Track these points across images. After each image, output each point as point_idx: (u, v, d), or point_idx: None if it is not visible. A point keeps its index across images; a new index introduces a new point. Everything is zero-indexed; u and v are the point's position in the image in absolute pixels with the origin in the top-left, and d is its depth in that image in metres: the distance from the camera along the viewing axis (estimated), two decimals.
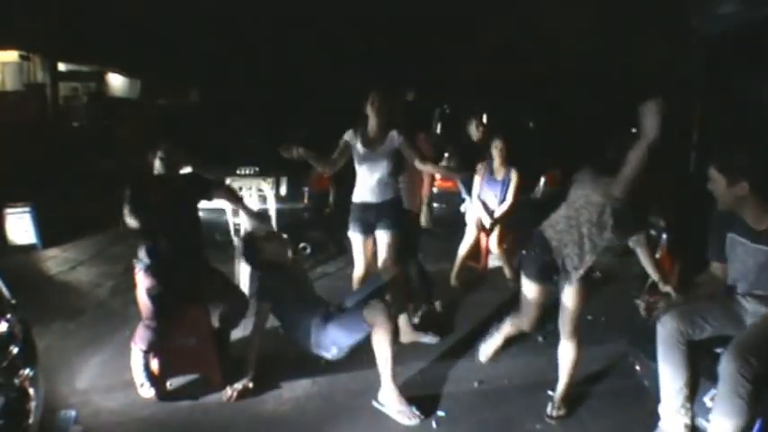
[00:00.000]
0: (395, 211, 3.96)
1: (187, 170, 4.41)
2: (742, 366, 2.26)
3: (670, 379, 2.54)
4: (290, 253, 3.78)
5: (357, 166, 3.89)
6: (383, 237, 3.91)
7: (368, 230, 3.90)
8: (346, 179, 4.34)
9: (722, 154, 2.59)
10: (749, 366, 2.25)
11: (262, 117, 7.90)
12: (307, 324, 3.31)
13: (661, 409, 2.61)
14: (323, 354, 3.30)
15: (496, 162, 5.12)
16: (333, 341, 3.24)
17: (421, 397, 3.15)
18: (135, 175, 3.54)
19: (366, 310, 3.16)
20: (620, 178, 2.60)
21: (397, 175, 4.04)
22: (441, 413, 3.09)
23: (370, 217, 3.88)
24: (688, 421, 2.54)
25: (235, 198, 3.93)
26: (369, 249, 3.92)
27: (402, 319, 3.88)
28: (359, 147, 3.82)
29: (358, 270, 3.94)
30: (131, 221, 3.35)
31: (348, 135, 3.86)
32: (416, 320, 4.03)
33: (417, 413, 3.01)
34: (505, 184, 5.13)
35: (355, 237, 3.91)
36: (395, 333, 3.17)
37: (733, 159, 2.54)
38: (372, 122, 3.81)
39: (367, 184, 3.87)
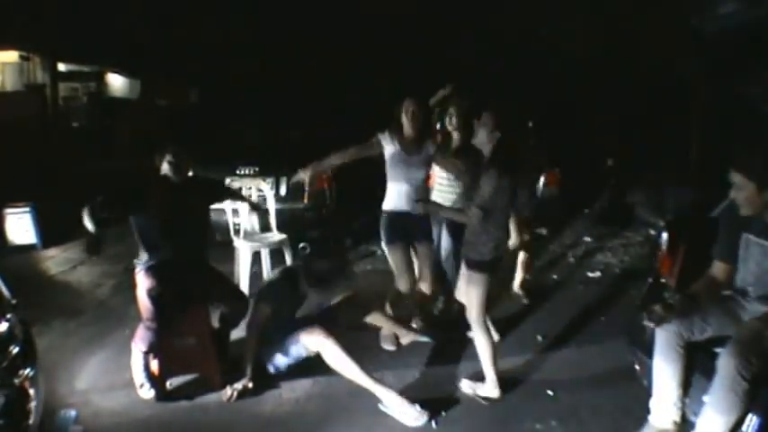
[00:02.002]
0: (429, 221, 3.90)
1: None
2: (741, 364, 2.25)
3: (665, 377, 2.54)
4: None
5: (391, 172, 3.75)
6: (423, 249, 3.85)
7: (403, 239, 3.77)
8: (346, 179, 4.34)
9: (741, 159, 2.51)
10: (749, 365, 2.25)
11: (262, 117, 7.89)
12: (270, 338, 3.37)
13: (652, 403, 2.62)
14: (268, 367, 3.38)
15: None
16: (275, 357, 3.35)
17: (421, 397, 3.14)
18: (143, 178, 3.54)
19: (303, 337, 3.24)
20: None
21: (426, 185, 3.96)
22: (441, 413, 3.09)
23: (407, 225, 3.76)
24: (678, 418, 2.55)
25: (240, 197, 4.06)
26: (406, 257, 3.77)
27: (385, 324, 3.80)
28: (397, 149, 3.68)
29: (404, 284, 3.77)
30: (89, 223, 3.29)
31: (383, 136, 3.70)
32: (415, 324, 3.99)
33: (423, 413, 2.98)
34: None
35: (394, 247, 3.73)
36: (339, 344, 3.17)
37: (757, 163, 2.47)
38: (408, 130, 3.70)
39: (403, 192, 3.72)
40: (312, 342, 3.21)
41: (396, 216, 3.76)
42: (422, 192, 3.81)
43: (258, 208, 4.32)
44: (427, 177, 3.95)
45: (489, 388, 3.18)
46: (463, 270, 3.28)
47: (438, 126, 4.27)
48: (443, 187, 4.08)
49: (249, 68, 14.11)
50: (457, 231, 3.99)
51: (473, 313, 3.14)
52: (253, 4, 13.49)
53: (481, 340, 3.16)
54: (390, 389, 3.09)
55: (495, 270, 3.19)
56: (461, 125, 3.95)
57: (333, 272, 3.51)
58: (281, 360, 3.36)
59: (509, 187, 3.01)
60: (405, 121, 3.69)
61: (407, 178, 3.72)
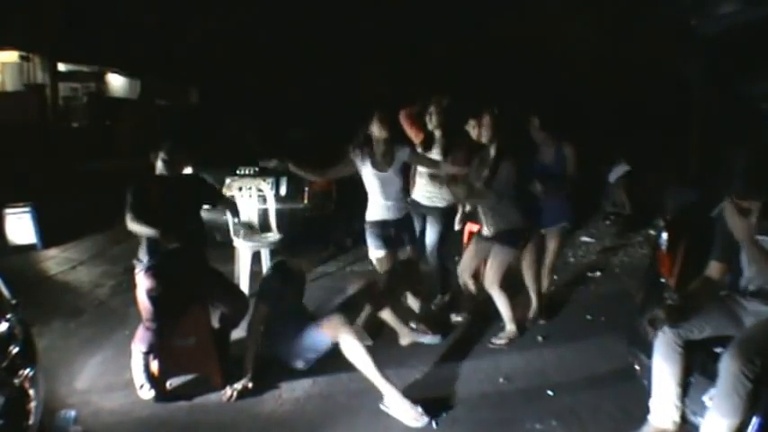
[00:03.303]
0: (412, 226, 4.07)
1: (188, 171, 4.41)
2: (745, 365, 2.25)
3: (665, 377, 2.54)
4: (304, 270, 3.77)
5: (368, 187, 3.87)
6: (405, 253, 3.98)
7: (390, 246, 3.89)
8: (347, 179, 4.33)
9: (741, 188, 2.53)
10: (752, 366, 2.25)
11: (262, 117, 7.90)
12: (284, 334, 3.37)
13: (652, 403, 2.62)
14: (292, 364, 3.39)
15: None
16: (300, 353, 3.35)
17: (421, 397, 3.14)
18: (137, 177, 3.53)
19: (324, 324, 3.24)
20: None
21: (406, 190, 4.09)
22: (441, 413, 3.08)
23: (391, 233, 3.89)
24: (677, 418, 2.55)
25: (231, 207, 4.08)
26: (391, 263, 3.91)
27: (393, 320, 3.83)
28: (369, 168, 3.79)
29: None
30: (133, 226, 3.32)
31: (354, 155, 3.81)
32: (414, 325, 4.00)
33: (424, 414, 2.98)
34: None
35: (379, 254, 3.88)
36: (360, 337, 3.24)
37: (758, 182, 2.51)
38: (379, 141, 3.78)
39: (382, 204, 3.86)
40: (332, 330, 3.20)
41: (379, 226, 3.89)
42: (401, 200, 3.95)
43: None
44: (406, 184, 4.10)
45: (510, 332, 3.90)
46: (487, 244, 3.91)
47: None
48: (426, 181, 4.25)
49: (249, 68, 14.11)
50: (443, 221, 4.27)
51: (491, 278, 3.83)
52: (253, 3, 13.49)
53: (499, 298, 3.88)
54: (396, 388, 3.08)
55: (521, 240, 3.94)
56: (442, 123, 4.15)
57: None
58: (309, 354, 3.34)
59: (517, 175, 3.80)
60: (375, 134, 3.77)
61: (383, 192, 3.84)
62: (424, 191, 4.30)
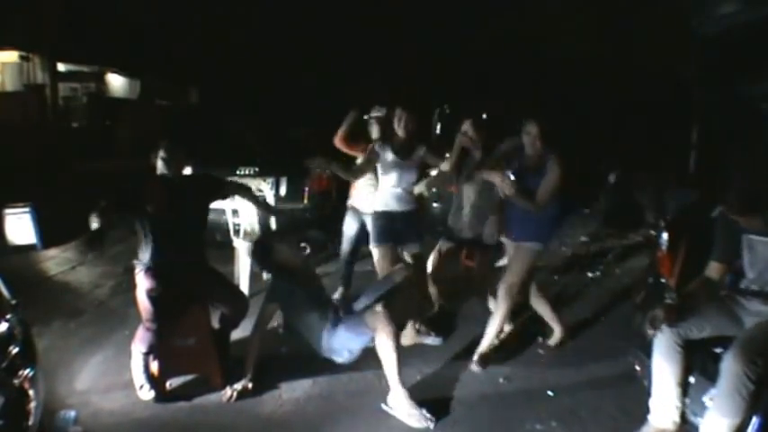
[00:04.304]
0: (417, 221, 4.04)
1: (188, 170, 4.39)
2: (747, 366, 2.25)
3: (665, 376, 2.54)
4: (301, 257, 3.75)
5: (385, 177, 3.88)
6: (413, 249, 3.96)
7: (393, 240, 3.88)
8: (346, 180, 4.34)
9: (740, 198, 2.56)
10: (754, 366, 2.25)
11: (262, 116, 7.91)
12: (318, 327, 3.33)
13: (652, 403, 2.62)
14: (334, 358, 3.34)
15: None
16: (343, 346, 3.29)
17: (422, 398, 3.14)
18: (140, 178, 3.53)
19: (367, 316, 3.21)
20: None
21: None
22: (442, 414, 3.08)
23: (397, 226, 3.88)
24: (677, 418, 2.55)
25: (249, 194, 3.88)
26: (393, 259, 3.88)
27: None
28: (389, 155, 3.83)
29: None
30: (95, 221, 3.17)
31: (378, 147, 3.86)
32: (418, 325, 4.00)
33: (429, 416, 2.98)
34: None
35: (382, 248, 3.86)
36: (397, 336, 3.17)
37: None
38: (401, 136, 3.84)
39: (393, 193, 3.87)
40: (375, 321, 3.16)
41: (386, 217, 3.87)
42: (410, 192, 3.95)
43: (269, 209, 4.25)
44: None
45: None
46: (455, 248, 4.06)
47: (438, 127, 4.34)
48: (370, 190, 4.26)
49: (249, 68, 14.11)
50: None
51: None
52: (253, 3, 13.51)
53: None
54: (406, 391, 3.08)
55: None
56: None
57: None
58: (352, 345, 3.27)
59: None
60: (397, 128, 3.83)
61: (401, 182, 3.85)
62: (365, 198, 4.33)
